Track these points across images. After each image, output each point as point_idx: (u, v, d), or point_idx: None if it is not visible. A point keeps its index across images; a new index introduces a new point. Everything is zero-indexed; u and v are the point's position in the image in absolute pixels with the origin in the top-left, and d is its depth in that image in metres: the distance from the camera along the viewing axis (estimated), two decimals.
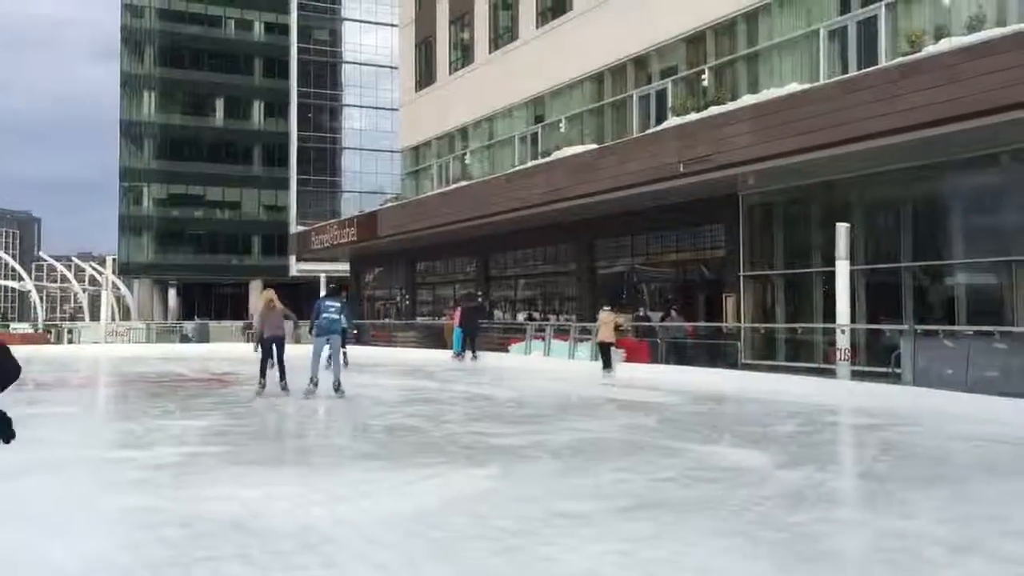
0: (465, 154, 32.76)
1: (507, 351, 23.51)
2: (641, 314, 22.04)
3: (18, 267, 51.32)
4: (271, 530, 5.30)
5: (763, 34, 20.14)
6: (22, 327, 43.40)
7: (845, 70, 17.63)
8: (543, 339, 22.47)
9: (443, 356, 23.86)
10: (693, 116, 19.29)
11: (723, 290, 20.06)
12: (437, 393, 15.11)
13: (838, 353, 15.03)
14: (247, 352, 17.79)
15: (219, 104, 69.82)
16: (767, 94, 17.71)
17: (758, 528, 5.38)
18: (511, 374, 19.01)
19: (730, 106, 18.37)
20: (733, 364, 17.81)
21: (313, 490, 6.58)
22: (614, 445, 9.18)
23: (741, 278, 19.43)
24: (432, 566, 4.64)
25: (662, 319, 21.26)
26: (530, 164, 25.57)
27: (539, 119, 28.61)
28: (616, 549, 4.87)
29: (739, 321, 19.22)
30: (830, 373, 15.43)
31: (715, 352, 18.97)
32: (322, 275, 31.88)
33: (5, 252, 62.25)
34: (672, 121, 20.21)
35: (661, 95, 23.10)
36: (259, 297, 16.67)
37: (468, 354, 23.01)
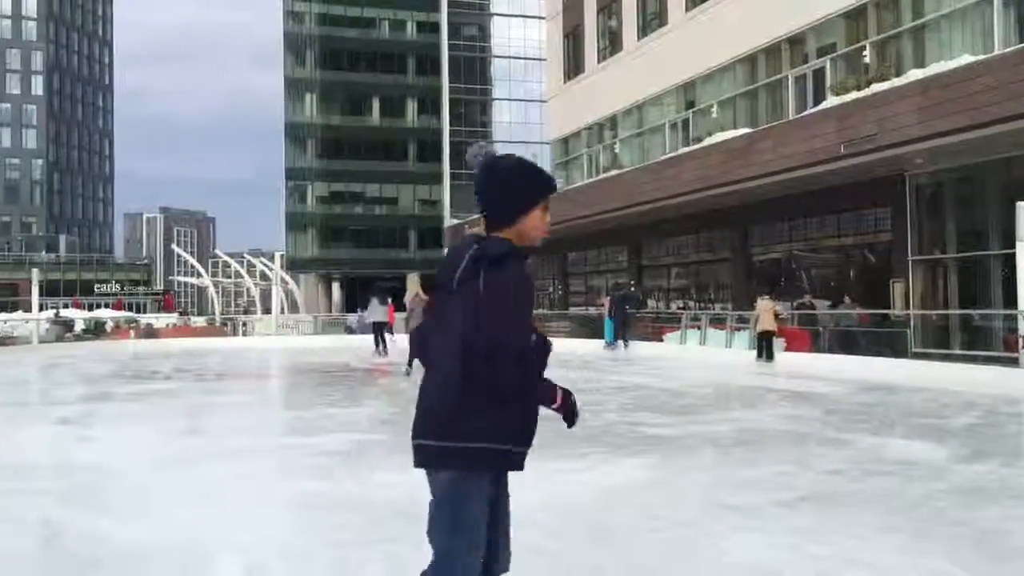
0: (615, 143, 32.60)
1: (661, 340, 23.29)
2: (806, 302, 21.28)
3: (197, 264, 54.65)
4: None
5: (930, 4, 19.10)
6: (200, 320, 46.33)
7: (1023, 39, 16.50)
8: (699, 328, 22.13)
9: (596, 346, 23.86)
10: (854, 95, 18.52)
11: (889, 275, 19.18)
12: (593, 383, 15.12)
13: (1020, 341, 14.13)
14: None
15: (375, 103, 72.26)
16: (936, 68, 16.78)
17: (935, 524, 5.13)
18: (666, 364, 18.81)
19: (895, 82, 17.53)
20: (902, 353, 17.01)
21: None
22: (777, 436, 8.94)
23: (909, 262, 18.52)
24: (594, 555, 4.65)
25: (832, 306, 20.50)
26: (682, 151, 25.22)
27: (690, 105, 28.14)
28: (783, 543, 4.76)
29: (908, 307, 18.34)
30: (1012, 362, 14.51)
31: (882, 340, 18.17)
32: None
33: (184, 250, 66.43)
34: (831, 101, 19.47)
35: (818, 75, 22.27)
36: (412, 288, 17.72)
37: (620, 343, 22.94)
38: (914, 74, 17.38)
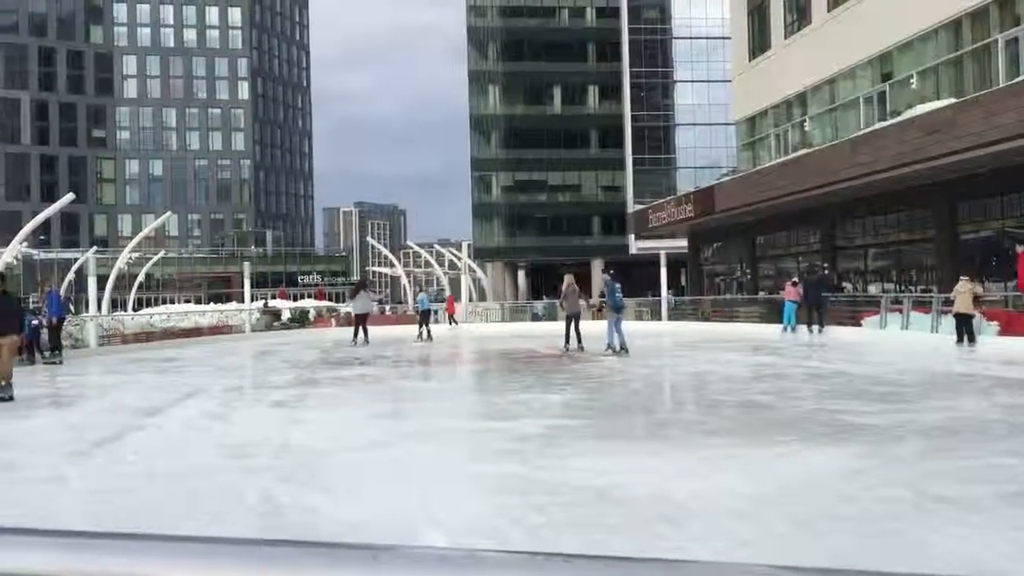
0: (804, 121, 31.34)
1: (860, 325, 22.25)
2: None
3: (390, 255, 56.72)
4: (631, 500, 5.48)
5: None
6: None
7: None
8: (900, 312, 20.98)
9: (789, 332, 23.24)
10: None
11: None
12: (787, 369, 14.68)
13: None
14: (594, 329, 18.95)
15: (556, 92, 72.80)
16: None
17: None
18: (866, 349, 17.98)
19: None
20: None
21: (669, 464, 6.71)
22: (993, 426, 8.36)
23: None
24: (796, 545, 4.54)
25: None
26: (878, 126, 23.92)
27: (886, 77, 26.63)
28: (1004, 537, 4.48)
29: None
30: None
31: None
32: (662, 252, 31.92)
33: (378, 242, 69.40)
34: None
35: None
36: (599, 277, 18.59)
37: (806, 328, 22.42)
38: None
